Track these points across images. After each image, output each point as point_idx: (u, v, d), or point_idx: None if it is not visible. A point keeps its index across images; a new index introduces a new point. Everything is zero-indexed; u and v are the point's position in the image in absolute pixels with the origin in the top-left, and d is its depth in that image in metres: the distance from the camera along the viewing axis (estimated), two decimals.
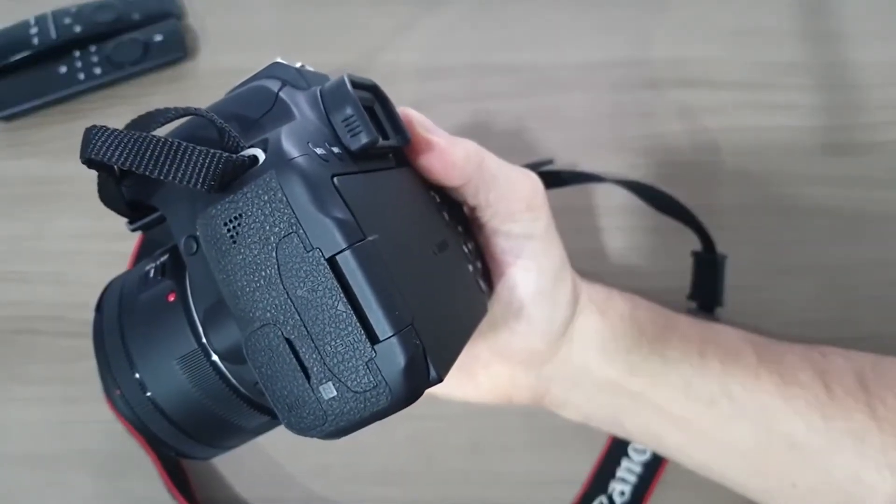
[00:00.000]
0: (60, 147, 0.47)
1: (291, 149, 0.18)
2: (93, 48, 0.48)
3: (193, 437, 0.23)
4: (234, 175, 0.18)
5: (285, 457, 0.40)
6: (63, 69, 0.47)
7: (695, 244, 0.41)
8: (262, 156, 0.18)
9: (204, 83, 0.48)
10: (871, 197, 0.45)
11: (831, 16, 0.50)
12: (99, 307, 0.24)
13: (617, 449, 0.40)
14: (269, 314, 0.18)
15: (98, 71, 0.47)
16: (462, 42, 0.50)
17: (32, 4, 0.49)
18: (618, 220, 0.45)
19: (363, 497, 0.40)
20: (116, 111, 0.47)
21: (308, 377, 0.18)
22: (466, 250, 0.28)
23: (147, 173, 0.18)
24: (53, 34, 0.47)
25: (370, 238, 0.18)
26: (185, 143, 0.18)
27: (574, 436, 0.39)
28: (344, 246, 0.18)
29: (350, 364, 0.18)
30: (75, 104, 0.48)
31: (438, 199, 0.28)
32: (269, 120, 0.21)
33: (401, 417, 0.44)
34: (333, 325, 0.18)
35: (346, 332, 0.18)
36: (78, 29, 0.48)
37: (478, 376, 0.34)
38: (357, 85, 0.23)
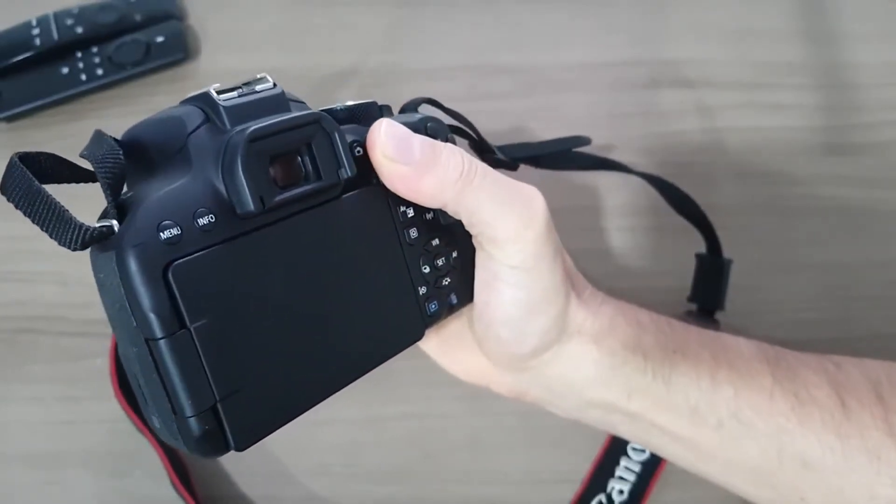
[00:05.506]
0: (62, 148, 0.46)
1: (140, 232, 0.20)
2: (94, 49, 0.48)
3: None
4: (97, 241, 0.20)
5: (286, 455, 0.40)
6: (65, 70, 0.48)
7: (695, 245, 0.41)
8: (117, 229, 0.20)
9: (204, 83, 0.47)
10: (870, 197, 0.45)
11: (831, 16, 0.50)
12: None
13: (616, 448, 0.40)
14: (124, 348, 0.22)
15: (100, 72, 0.48)
16: (462, 42, 0.50)
17: (34, 5, 0.49)
18: (619, 220, 0.45)
19: (363, 495, 0.40)
20: (118, 112, 0.48)
21: (147, 403, 0.22)
22: (428, 269, 0.28)
23: (35, 224, 0.20)
24: (55, 35, 0.48)
25: (193, 326, 0.21)
26: (62, 210, 0.20)
27: (573, 434, 0.40)
28: (157, 336, 0.20)
29: (164, 415, 0.22)
30: (77, 105, 0.48)
31: (412, 213, 0.27)
32: (167, 168, 0.23)
33: (400, 416, 0.44)
34: (154, 384, 0.21)
35: (160, 394, 0.21)
36: (80, 30, 0.48)
37: (459, 356, 0.34)
38: (282, 130, 0.23)
